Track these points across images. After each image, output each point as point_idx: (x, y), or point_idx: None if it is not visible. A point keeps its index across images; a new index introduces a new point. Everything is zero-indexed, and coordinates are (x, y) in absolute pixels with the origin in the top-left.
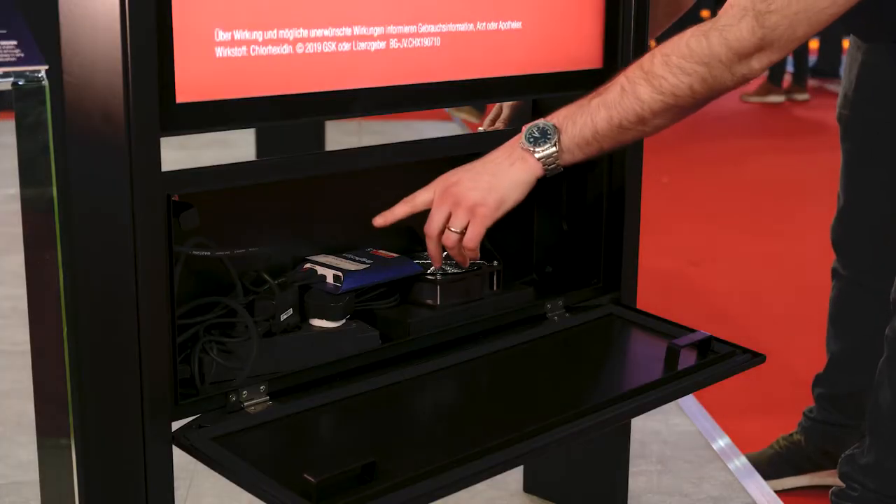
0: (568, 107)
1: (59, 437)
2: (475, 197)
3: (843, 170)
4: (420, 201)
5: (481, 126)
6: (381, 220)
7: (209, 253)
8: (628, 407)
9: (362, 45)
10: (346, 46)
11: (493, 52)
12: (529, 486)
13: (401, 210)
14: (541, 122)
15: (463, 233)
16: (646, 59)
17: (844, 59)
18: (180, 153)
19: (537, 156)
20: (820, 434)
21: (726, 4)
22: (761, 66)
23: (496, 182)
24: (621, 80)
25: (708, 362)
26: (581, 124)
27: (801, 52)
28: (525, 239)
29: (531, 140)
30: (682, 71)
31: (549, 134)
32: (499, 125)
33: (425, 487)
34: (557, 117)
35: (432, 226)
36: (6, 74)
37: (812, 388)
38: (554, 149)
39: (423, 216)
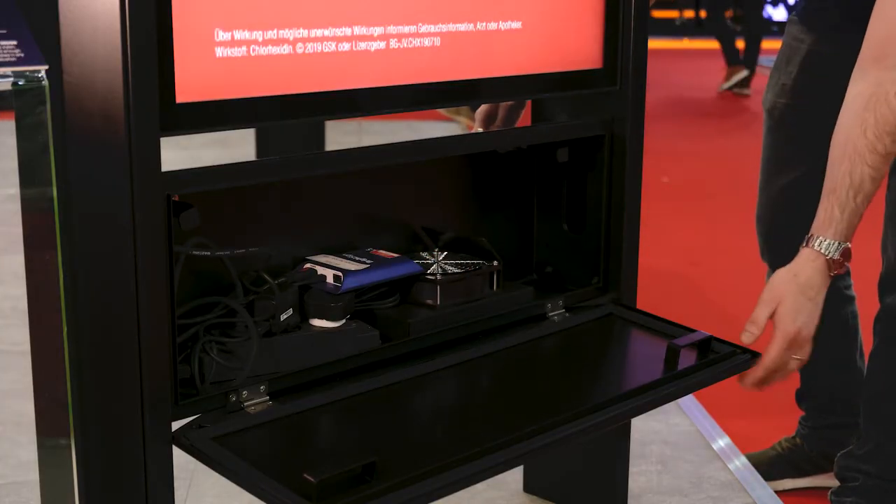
0: (846, 218)
1: (59, 437)
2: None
3: (768, 164)
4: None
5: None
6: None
7: (209, 253)
8: (628, 407)
9: (362, 45)
10: (345, 46)
11: (493, 52)
12: (529, 486)
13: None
14: (843, 246)
15: None
16: (878, 144)
17: (782, 49)
18: (180, 153)
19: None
20: (818, 439)
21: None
22: None
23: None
24: (869, 172)
25: (708, 362)
26: (856, 223)
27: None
28: (525, 239)
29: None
30: None
31: (848, 256)
32: (499, 124)
33: (425, 487)
34: (841, 233)
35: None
36: (6, 74)
37: (798, 404)
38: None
39: (423, 214)
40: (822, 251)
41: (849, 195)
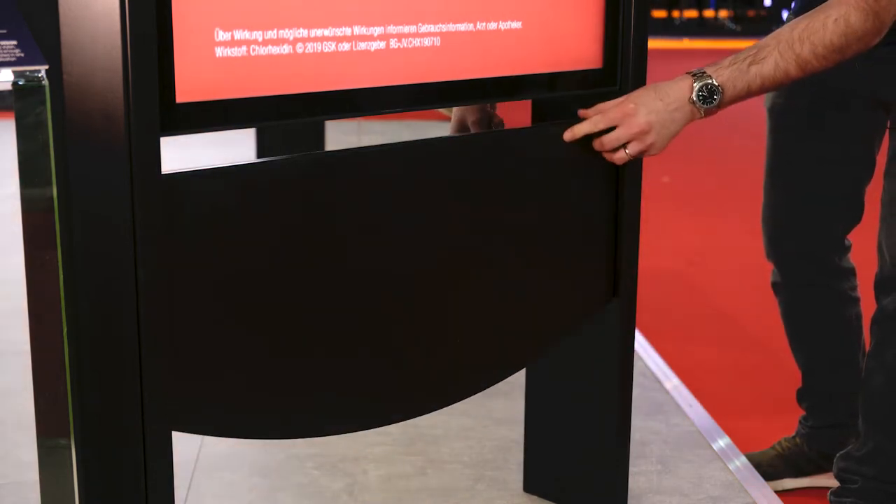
0: (729, 68)
1: (59, 437)
2: (660, 144)
3: (771, 163)
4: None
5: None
6: (569, 135)
7: None
8: None
9: (362, 45)
10: (345, 46)
11: (493, 52)
12: (529, 486)
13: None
14: (710, 81)
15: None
16: (796, 43)
17: None
18: (180, 153)
19: (703, 112)
20: (818, 439)
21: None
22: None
23: (672, 130)
24: (775, 56)
25: None
26: (740, 88)
27: None
28: None
29: (701, 98)
30: (825, 59)
31: (716, 95)
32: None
33: None
34: (721, 76)
35: (611, 143)
36: (6, 75)
37: (798, 404)
38: (715, 105)
39: None
40: (693, 76)
41: (745, 61)
